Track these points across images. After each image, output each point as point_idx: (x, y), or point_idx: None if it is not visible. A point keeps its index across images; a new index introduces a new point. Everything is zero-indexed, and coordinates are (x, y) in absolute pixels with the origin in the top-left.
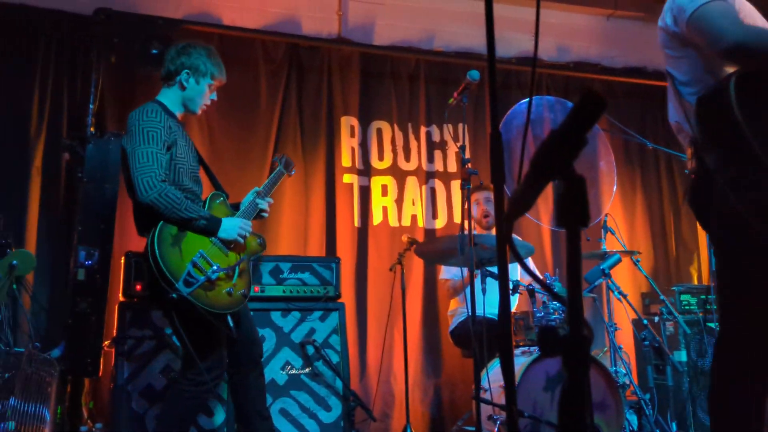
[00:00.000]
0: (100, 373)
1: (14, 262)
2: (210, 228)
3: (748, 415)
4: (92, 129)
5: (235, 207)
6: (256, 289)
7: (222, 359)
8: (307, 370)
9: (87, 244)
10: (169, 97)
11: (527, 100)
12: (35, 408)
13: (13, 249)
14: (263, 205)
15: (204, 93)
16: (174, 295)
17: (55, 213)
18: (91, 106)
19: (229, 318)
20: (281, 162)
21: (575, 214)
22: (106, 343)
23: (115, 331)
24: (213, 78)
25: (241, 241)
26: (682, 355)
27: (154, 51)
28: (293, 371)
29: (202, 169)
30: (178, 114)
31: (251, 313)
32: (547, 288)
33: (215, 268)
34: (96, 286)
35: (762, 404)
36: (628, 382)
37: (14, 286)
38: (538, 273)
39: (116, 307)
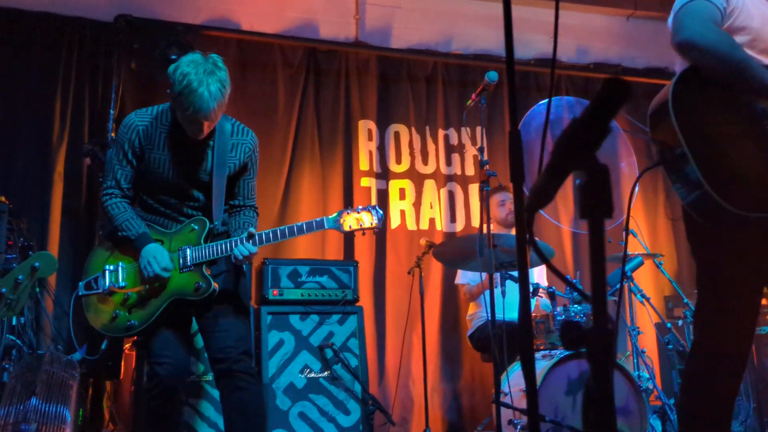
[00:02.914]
0: (122, 376)
1: (36, 264)
2: (137, 248)
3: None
4: (113, 134)
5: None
6: (275, 293)
7: (158, 362)
8: (325, 373)
9: None
10: None
11: (546, 101)
12: (56, 408)
13: (35, 251)
14: (236, 252)
15: None
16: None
17: (76, 217)
18: (111, 112)
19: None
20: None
21: (599, 204)
22: (127, 345)
23: None
24: None
25: (143, 273)
26: None
27: (173, 57)
28: (312, 375)
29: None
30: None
31: (234, 317)
32: (573, 286)
33: (116, 283)
34: None
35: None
36: (651, 387)
37: (37, 290)
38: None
39: None
